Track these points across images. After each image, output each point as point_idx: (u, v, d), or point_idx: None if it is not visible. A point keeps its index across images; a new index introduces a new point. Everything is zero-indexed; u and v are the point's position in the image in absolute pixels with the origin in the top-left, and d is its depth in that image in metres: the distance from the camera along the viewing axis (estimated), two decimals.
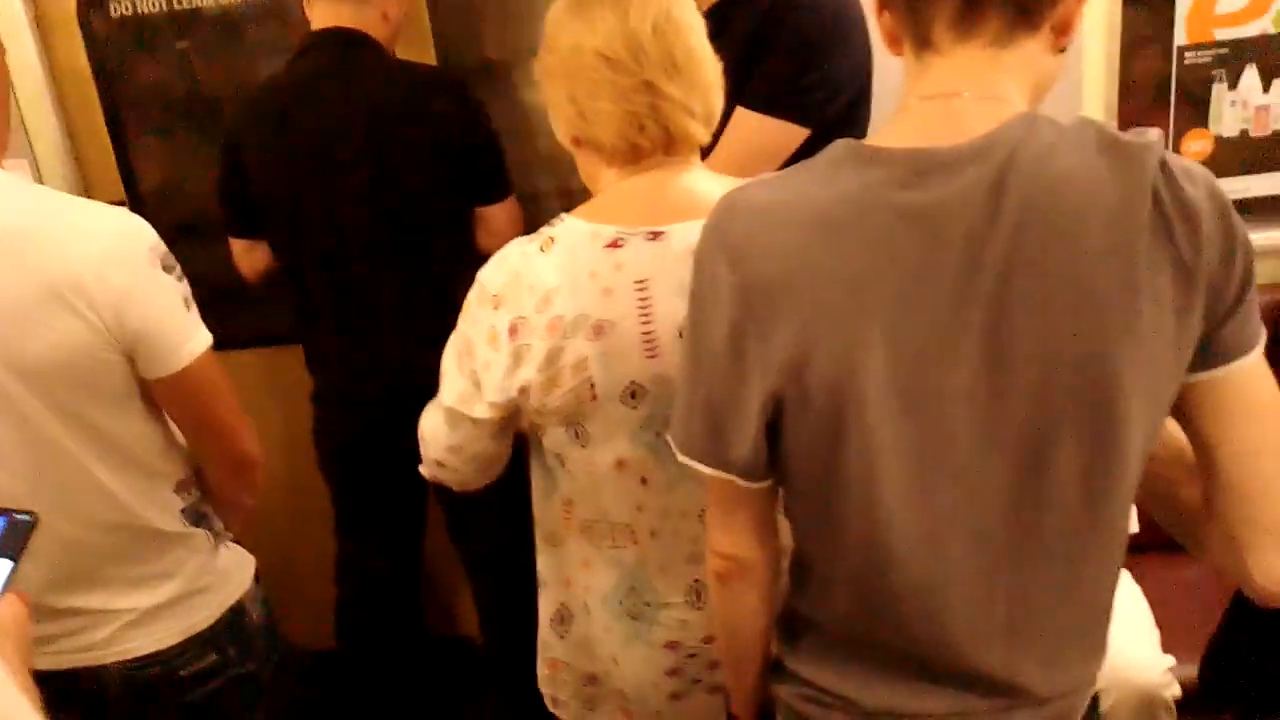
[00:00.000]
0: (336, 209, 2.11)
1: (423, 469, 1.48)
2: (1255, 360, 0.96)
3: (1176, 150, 2.45)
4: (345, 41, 2.10)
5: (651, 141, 1.29)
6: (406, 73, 2.18)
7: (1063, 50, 0.98)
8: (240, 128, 2.17)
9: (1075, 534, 0.99)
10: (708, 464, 1.05)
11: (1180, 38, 2.40)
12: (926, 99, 0.97)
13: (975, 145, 0.92)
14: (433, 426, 1.42)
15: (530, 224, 1.42)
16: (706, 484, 1.11)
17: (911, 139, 0.94)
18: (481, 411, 1.34)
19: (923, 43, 0.97)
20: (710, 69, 1.32)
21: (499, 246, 1.38)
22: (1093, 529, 1.00)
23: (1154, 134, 0.92)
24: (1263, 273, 2.21)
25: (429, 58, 2.51)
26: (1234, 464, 0.98)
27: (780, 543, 1.17)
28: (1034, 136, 0.91)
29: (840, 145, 0.97)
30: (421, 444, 1.45)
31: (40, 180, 2.55)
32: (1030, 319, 0.91)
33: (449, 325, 1.40)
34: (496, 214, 2.19)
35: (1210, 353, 0.95)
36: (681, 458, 1.08)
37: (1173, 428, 1.02)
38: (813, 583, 1.11)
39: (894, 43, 1.01)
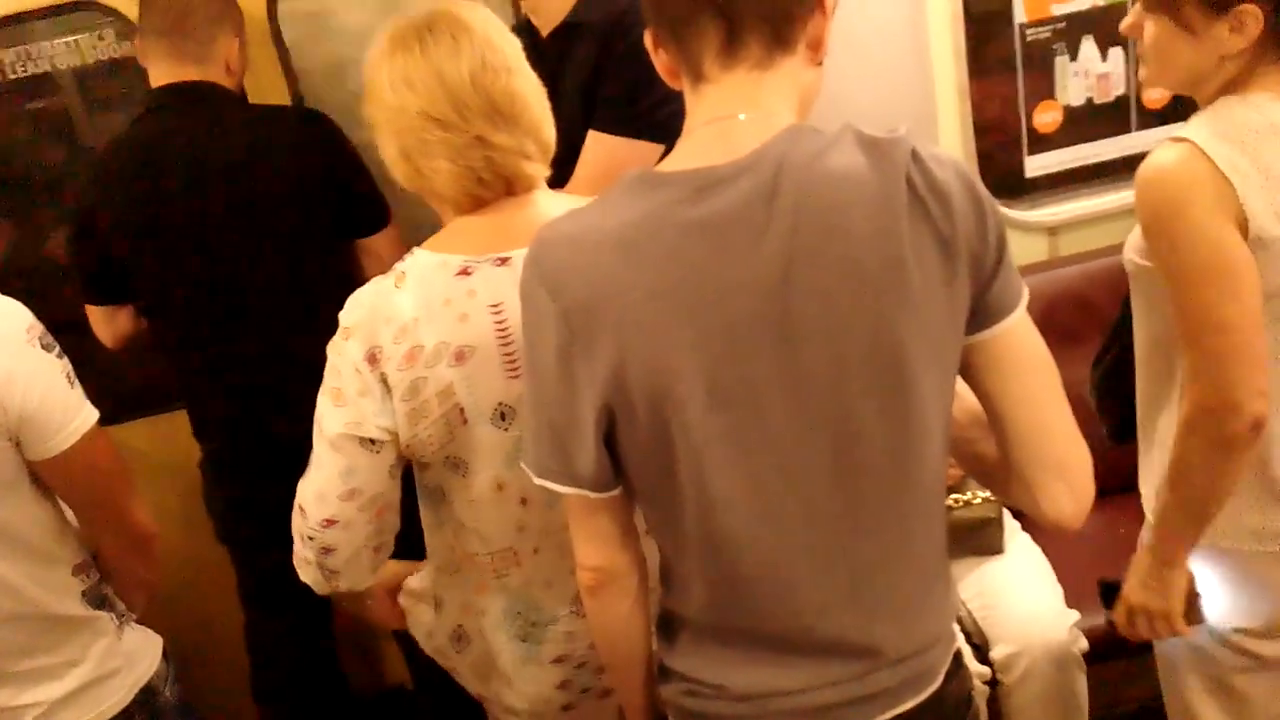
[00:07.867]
0: (210, 266, 2.05)
1: (298, 558, 1.37)
2: (1020, 317, 1.08)
3: (1029, 123, 2.58)
4: (193, 95, 2.05)
5: (492, 190, 1.33)
6: (260, 116, 2.14)
7: (819, 64, 1.09)
8: (92, 192, 2.08)
9: (895, 498, 1.09)
10: (559, 482, 1.12)
11: (1020, 16, 2.51)
12: (706, 124, 1.07)
13: (748, 159, 1.02)
14: (316, 483, 1.33)
15: None
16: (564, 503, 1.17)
17: (694, 160, 1.05)
18: (374, 431, 1.30)
19: (696, 76, 1.07)
20: (536, 105, 1.34)
21: None
22: (908, 491, 1.09)
23: (903, 130, 1.03)
24: (1118, 232, 2.30)
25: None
26: (1014, 412, 1.10)
27: (644, 547, 1.21)
28: (799, 145, 1.02)
29: (632, 174, 1.07)
30: (298, 519, 1.35)
31: None
32: (815, 304, 1.01)
33: None
34: (379, 244, 2.14)
35: (980, 315, 1.06)
36: (537, 480, 1.13)
37: (964, 392, 1.13)
38: (674, 580, 1.18)
39: (673, 76, 1.11)
